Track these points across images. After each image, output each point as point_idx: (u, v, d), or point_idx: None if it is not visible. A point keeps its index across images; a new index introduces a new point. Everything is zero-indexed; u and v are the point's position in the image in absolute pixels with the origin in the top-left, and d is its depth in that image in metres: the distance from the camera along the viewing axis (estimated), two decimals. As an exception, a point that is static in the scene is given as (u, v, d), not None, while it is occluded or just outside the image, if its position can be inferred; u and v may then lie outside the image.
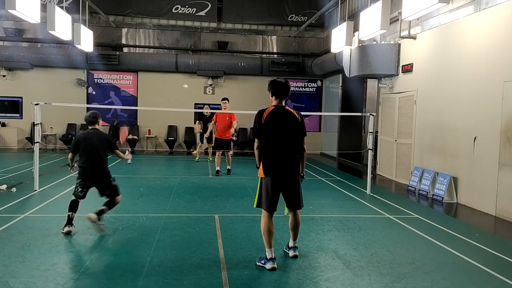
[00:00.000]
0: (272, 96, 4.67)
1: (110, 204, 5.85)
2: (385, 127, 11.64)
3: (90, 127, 6.01)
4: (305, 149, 4.71)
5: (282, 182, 4.58)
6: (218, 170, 11.09)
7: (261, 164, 4.61)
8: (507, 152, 7.02)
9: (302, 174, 4.76)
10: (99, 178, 5.82)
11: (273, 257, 4.49)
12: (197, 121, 13.26)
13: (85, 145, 5.83)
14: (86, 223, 5.75)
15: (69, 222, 5.64)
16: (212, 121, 11.58)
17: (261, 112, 4.60)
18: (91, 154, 5.79)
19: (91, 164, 5.79)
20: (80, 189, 5.76)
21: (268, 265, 4.45)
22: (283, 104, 4.67)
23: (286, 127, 4.54)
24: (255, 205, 4.68)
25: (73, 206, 5.73)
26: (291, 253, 4.87)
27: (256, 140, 4.65)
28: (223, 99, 11.39)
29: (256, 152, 4.68)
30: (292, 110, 4.64)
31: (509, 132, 6.97)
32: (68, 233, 5.52)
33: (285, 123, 4.55)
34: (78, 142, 5.86)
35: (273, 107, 4.62)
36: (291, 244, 4.94)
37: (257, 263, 4.58)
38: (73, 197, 5.77)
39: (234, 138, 12.24)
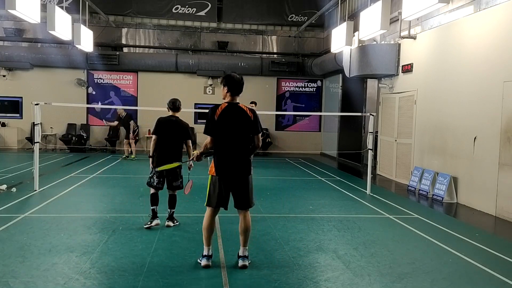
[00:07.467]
0: (227, 92, 4.52)
1: (173, 203, 6.00)
2: (385, 127, 11.64)
3: (171, 113, 5.94)
4: (258, 145, 4.58)
5: (232, 182, 4.46)
6: None
7: (212, 161, 4.49)
8: (507, 152, 7.02)
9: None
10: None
11: (209, 254, 4.48)
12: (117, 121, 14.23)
13: (165, 130, 5.80)
14: (85, 223, 5.75)
15: (154, 215, 5.85)
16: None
17: (214, 109, 4.47)
18: (169, 141, 5.79)
19: (168, 152, 5.78)
20: (156, 180, 5.85)
21: (203, 262, 4.45)
22: (237, 101, 4.56)
23: (238, 126, 4.43)
24: (205, 204, 4.51)
25: (154, 199, 5.88)
26: (240, 262, 4.49)
27: (208, 137, 4.50)
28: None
29: (209, 145, 4.54)
30: (244, 107, 4.53)
31: (509, 132, 6.97)
32: (156, 225, 5.81)
33: (237, 121, 4.44)
34: (160, 124, 5.84)
35: (227, 104, 4.50)
36: (240, 252, 4.56)
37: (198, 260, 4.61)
38: (151, 190, 5.90)
39: None
